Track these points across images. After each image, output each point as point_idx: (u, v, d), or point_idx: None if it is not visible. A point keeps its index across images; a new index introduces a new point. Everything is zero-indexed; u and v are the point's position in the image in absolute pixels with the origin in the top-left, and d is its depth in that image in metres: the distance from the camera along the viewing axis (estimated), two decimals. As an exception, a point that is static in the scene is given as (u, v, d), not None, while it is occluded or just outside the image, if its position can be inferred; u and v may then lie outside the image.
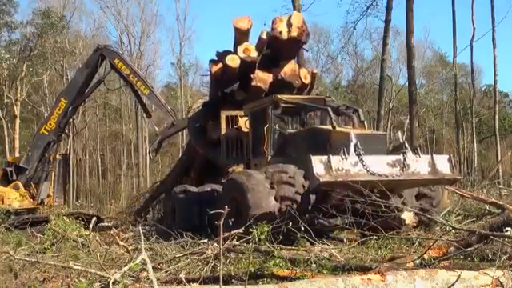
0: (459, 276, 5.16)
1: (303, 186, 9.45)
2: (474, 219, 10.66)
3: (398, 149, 9.65)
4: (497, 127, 29.62)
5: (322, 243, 7.99)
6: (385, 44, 25.26)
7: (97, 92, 40.88)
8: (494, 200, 11.28)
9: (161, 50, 64.93)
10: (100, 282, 5.85)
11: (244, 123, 12.59)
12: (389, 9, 24.64)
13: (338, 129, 10.25)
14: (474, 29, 28.18)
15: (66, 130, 20.02)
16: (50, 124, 16.65)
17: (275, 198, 9.45)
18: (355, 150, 8.95)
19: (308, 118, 12.56)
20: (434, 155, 9.56)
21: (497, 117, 29.95)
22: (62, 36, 37.95)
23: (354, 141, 9.03)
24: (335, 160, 8.73)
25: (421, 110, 42.40)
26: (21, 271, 7.12)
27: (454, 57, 29.95)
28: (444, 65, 49.90)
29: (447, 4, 50.27)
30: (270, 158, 11.07)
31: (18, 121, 37.12)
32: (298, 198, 9.45)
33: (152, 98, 15.80)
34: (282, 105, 11.30)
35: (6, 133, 37.40)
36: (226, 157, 12.81)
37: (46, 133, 16.66)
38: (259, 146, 11.45)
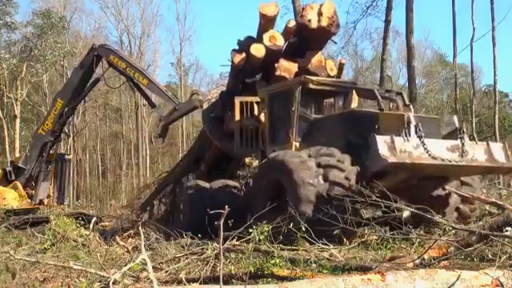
0: (459, 276, 5.15)
1: (354, 172, 8.80)
2: (474, 219, 10.63)
3: (453, 134, 9.30)
4: (497, 127, 29.57)
5: (322, 243, 7.94)
6: (385, 44, 25.23)
7: (97, 92, 41.14)
8: (494, 200, 11.26)
9: (161, 50, 65.01)
10: (100, 282, 5.85)
11: (260, 110, 11.90)
12: (389, 9, 24.63)
13: (386, 111, 9.67)
14: (474, 29, 28.14)
15: (66, 130, 19.94)
16: (47, 124, 16.57)
17: (323, 180, 8.71)
18: (416, 132, 8.56)
19: (326, 105, 11.81)
20: (490, 142, 9.22)
21: (497, 117, 29.91)
22: (62, 36, 37.97)
23: (414, 122, 8.64)
24: (398, 141, 8.31)
25: (421, 110, 42.39)
26: (21, 271, 7.12)
27: (454, 57, 29.89)
28: (444, 65, 49.96)
29: (447, 4, 50.36)
30: (295, 144, 10.27)
31: (18, 121, 37.15)
32: (347, 183, 8.67)
33: (152, 87, 15.51)
34: (313, 87, 10.59)
35: (6, 133, 37.42)
36: (240, 145, 12.24)
37: (44, 133, 16.59)
38: (279, 132, 10.83)
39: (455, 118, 9.99)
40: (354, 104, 11.52)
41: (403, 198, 8.11)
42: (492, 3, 26.95)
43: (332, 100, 11.96)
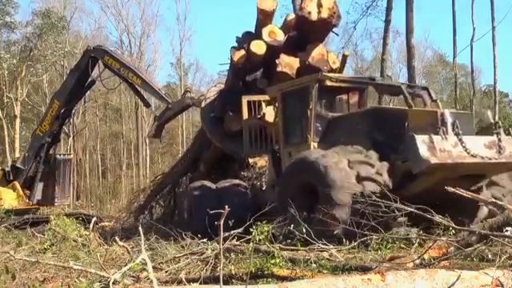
0: (459, 276, 5.14)
1: (385, 168, 8.49)
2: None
3: (487, 129, 8.91)
4: (497, 127, 29.54)
5: (322, 243, 7.93)
6: (385, 44, 25.26)
7: (97, 92, 41.15)
8: (493, 200, 11.24)
9: (161, 50, 65.03)
10: (100, 282, 5.84)
11: (268, 111, 11.55)
12: (389, 9, 24.66)
13: (416, 108, 9.24)
14: (474, 29, 28.15)
15: (66, 130, 19.91)
16: (45, 125, 16.58)
17: (356, 179, 8.36)
18: (453, 130, 8.14)
19: (338, 102, 11.23)
20: None
21: (497, 117, 29.89)
22: (62, 36, 37.97)
23: (450, 119, 8.24)
24: (437, 140, 7.87)
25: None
26: (21, 271, 7.12)
27: (454, 57, 29.93)
28: (444, 65, 50.02)
29: (447, 4, 50.38)
30: (314, 144, 9.79)
31: (18, 121, 37.14)
32: (380, 179, 8.37)
33: (145, 86, 15.44)
34: (333, 84, 10.02)
35: (6, 133, 37.42)
36: (249, 146, 11.87)
37: (41, 134, 16.59)
38: (294, 131, 10.41)
39: (489, 113, 9.62)
40: None
41: (435, 198, 7.82)
42: (492, 3, 26.96)
43: (343, 96, 11.39)
